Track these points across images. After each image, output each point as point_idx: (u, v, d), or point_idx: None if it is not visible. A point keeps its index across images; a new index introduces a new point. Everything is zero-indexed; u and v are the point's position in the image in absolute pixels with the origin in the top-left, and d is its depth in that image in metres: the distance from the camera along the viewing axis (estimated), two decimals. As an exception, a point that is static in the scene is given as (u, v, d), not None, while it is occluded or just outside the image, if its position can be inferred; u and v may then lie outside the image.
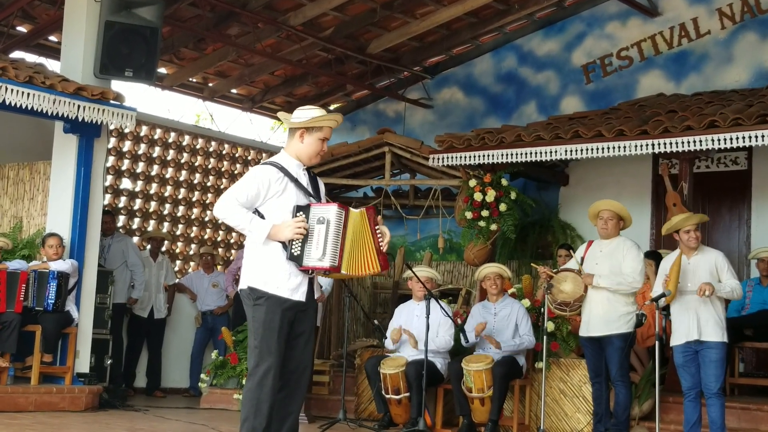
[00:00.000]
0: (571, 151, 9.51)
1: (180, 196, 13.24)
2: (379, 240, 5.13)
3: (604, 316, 7.81)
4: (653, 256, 9.09)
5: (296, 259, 5.02)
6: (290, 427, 5.15)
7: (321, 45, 12.25)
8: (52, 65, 10.79)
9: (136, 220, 12.68)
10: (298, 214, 5.05)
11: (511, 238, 10.54)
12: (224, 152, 13.78)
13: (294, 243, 5.02)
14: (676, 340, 7.39)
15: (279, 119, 14.32)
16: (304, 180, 5.20)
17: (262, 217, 5.08)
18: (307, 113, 5.23)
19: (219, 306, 11.96)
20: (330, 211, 5.04)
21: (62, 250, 9.08)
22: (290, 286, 5.05)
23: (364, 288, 12.02)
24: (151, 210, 12.86)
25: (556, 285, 7.98)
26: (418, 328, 8.77)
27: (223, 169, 13.73)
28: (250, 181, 5.09)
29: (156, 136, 12.98)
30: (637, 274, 7.79)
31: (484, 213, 10.19)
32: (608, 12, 12.07)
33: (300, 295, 5.10)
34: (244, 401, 5.04)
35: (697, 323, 7.25)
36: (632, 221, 8.13)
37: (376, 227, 5.15)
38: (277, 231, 5.02)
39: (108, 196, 12.03)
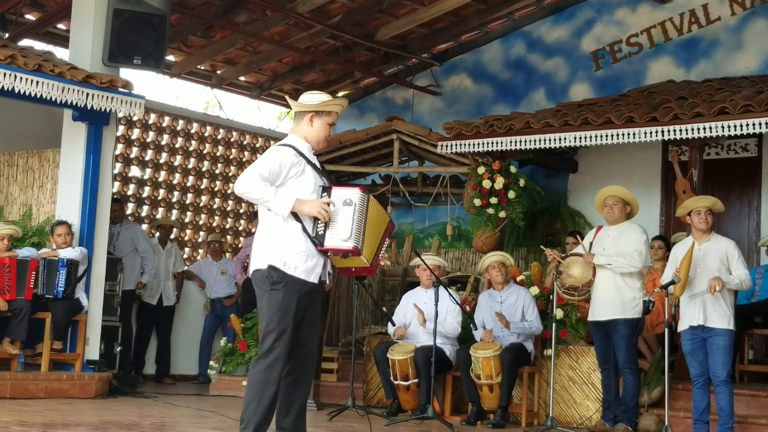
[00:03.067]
0: (580, 138, 9.49)
1: (188, 184, 13.26)
2: (382, 251, 5.23)
3: (610, 301, 7.82)
4: (661, 239, 9.13)
5: (319, 238, 5.03)
6: (297, 413, 5.16)
7: (329, 32, 12.23)
8: (61, 53, 10.77)
9: (145, 208, 12.71)
10: (323, 195, 5.09)
11: (520, 225, 10.53)
12: (232, 140, 13.79)
13: (318, 222, 5.04)
14: (682, 325, 7.39)
15: (287, 107, 14.38)
16: (317, 163, 5.26)
17: None
18: (315, 97, 5.28)
19: (229, 295, 11.98)
20: (354, 194, 5.09)
21: (71, 238, 9.10)
22: (307, 267, 5.06)
23: (369, 280, 12.02)
24: (159, 197, 12.88)
25: (564, 270, 7.98)
26: (425, 316, 8.78)
27: (231, 157, 13.73)
28: (273, 158, 5.10)
29: (164, 124, 12.98)
30: (636, 254, 7.78)
31: (493, 200, 10.18)
32: (618, -2, 12.03)
33: (314, 277, 5.12)
34: (251, 383, 5.02)
35: (703, 310, 7.23)
36: (639, 207, 8.13)
37: (386, 243, 5.26)
38: (301, 204, 5.02)
39: (117, 184, 12.04)
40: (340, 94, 14.38)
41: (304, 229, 5.07)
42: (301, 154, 5.14)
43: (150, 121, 12.77)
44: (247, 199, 5.15)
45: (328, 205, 5.04)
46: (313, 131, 5.25)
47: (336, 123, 5.39)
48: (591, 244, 8.06)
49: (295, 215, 5.05)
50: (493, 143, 9.98)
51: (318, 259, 5.11)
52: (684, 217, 7.58)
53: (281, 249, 5.05)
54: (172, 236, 12.34)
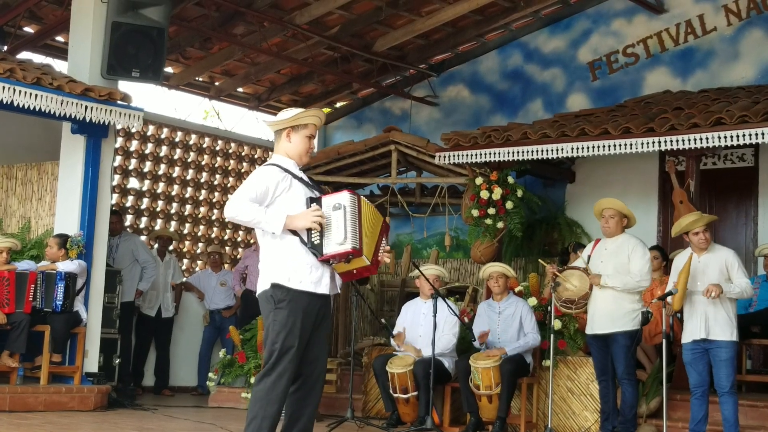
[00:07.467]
0: (578, 148, 9.50)
1: (187, 195, 13.28)
2: (380, 250, 5.17)
3: (609, 314, 7.83)
4: (657, 250, 9.14)
5: (317, 249, 5.01)
6: (303, 429, 5.14)
7: (327, 43, 12.27)
8: (60, 66, 10.81)
9: (144, 219, 12.72)
10: (312, 205, 5.07)
11: (518, 236, 10.54)
12: (231, 151, 13.81)
13: (312, 233, 5.02)
14: (685, 338, 7.42)
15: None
16: (305, 177, 5.23)
17: None
18: (289, 113, 5.25)
19: (228, 307, 11.99)
20: (343, 197, 5.05)
21: (61, 252, 9.02)
22: (313, 279, 5.04)
23: (371, 286, 12.04)
24: (158, 209, 12.90)
25: (562, 282, 8.00)
26: (424, 327, 8.80)
27: (229, 168, 13.76)
28: (258, 179, 5.08)
29: (163, 136, 13.01)
30: (644, 273, 7.81)
31: (491, 211, 10.19)
32: (614, 9, 12.05)
33: (324, 288, 5.09)
34: (254, 400, 5.00)
35: (705, 322, 7.25)
36: (636, 220, 8.15)
37: (384, 242, 5.20)
38: (292, 219, 5.00)
39: (115, 196, 12.06)
40: (338, 105, 14.43)
41: (303, 241, 5.04)
42: (286, 170, 5.12)
43: (148, 133, 12.80)
44: (238, 222, 5.15)
45: (319, 211, 5.00)
46: (292, 147, 5.22)
47: (316, 135, 5.36)
48: (589, 257, 8.09)
49: (291, 230, 5.04)
50: (490, 154, 10.00)
51: (323, 270, 5.08)
52: (682, 236, 7.60)
53: (284, 265, 5.03)
54: (171, 247, 12.35)
